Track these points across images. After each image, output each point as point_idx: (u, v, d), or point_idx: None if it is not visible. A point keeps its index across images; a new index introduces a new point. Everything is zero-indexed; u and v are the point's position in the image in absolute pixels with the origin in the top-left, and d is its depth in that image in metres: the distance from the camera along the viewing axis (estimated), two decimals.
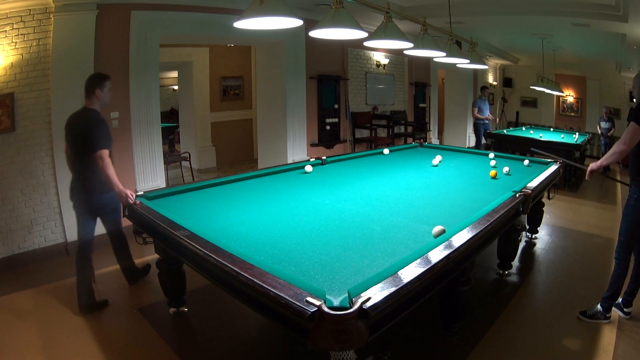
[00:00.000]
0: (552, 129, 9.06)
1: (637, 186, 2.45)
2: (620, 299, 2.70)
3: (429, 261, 1.64)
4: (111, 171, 2.62)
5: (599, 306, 2.60)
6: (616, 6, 4.45)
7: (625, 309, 2.69)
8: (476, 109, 8.16)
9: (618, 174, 7.80)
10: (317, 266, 1.73)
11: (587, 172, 2.68)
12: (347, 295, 1.39)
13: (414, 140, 6.49)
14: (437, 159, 4.01)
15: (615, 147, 2.53)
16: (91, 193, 2.76)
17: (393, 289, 1.40)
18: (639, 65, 8.13)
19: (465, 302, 2.15)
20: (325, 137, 6.34)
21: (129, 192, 2.56)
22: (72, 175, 2.86)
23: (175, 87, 7.91)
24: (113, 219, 2.94)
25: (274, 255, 1.85)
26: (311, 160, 3.88)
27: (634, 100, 10.84)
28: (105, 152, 2.64)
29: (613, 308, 2.71)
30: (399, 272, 1.53)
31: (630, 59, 7.60)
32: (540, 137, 7.31)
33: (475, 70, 10.17)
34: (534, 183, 2.97)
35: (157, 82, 4.35)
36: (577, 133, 8.13)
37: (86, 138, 2.69)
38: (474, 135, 8.68)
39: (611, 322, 2.63)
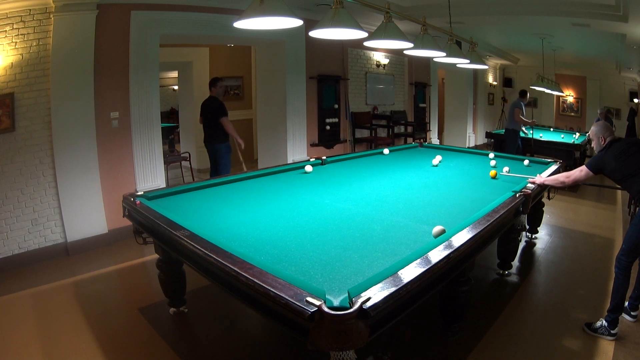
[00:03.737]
0: (552, 129, 9.07)
1: None
2: (626, 303, 2.64)
3: (429, 261, 1.64)
4: (231, 127, 4.74)
5: (603, 321, 2.51)
6: (616, 6, 4.45)
7: (632, 313, 2.68)
8: (520, 111, 6.89)
9: None
10: (317, 266, 1.73)
11: (534, 182, 2.94)
12: (347, 295, 1.39)
13: (414, 140, 6.49)
14: (437, 159, 4.01)
15: (559, 177, 2.86)
16: (214, 142, 4.79)
17: (393, 289, 1.40)
18: (639, 65, 8.13)
19: (465, 302, 2.15)
20: (325, 137, 6.34)
21: (241, 141, 4.82)
22: (205, 134, 4.87)
23: (175, 87, 7.90)
24: (224, 160, 4.85)
25: (274, 255, 1.84)
26: (311, 160, 3.88)
27: (634, 100, 10.81)
28: (226, 118, 4.70)
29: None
30: (399, 272, 1.53)
31: (630, 59, 7.60)
32: (540, 137, 7.31)
33: (475, 70, 10.18)
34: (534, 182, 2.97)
35: (157, 82, 4.35)
36: (577, 133, 8.13)
37: (214, 111, 4.71)
38: (507, 141, 7.02)
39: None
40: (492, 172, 3.41)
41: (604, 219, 5.03)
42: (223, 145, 4.83)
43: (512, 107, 6.90)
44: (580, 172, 2.68)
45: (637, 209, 2.51)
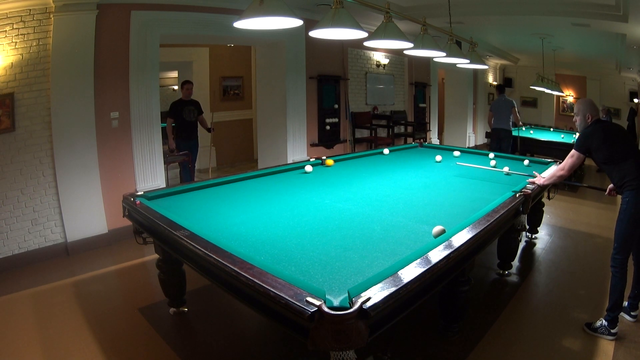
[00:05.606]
0: (552, 129, 9.07)
1: (629, 189, 2.43)
2: (625, 303, 2.64)
3: (429, 261, 1.64)
4: (168, 129, 5.14)
5: (603, 320, 2.51)
6: (616, 6, 4.45)
7: (632, 312, 2.68)
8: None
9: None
10: (317, 266, 1.73)
11: (533, 182, 2.95)
12: (347, 295, 1.39)
13: (414, 140, 6.49)
14: (438, 158, 4.02)
15: (556, 172, 2.80)
16: (196, 138, 5.43)
17: (393, 289, 1.40)
18: (639, 65, 8.14)
19: (465, 302, 2.16)
20: (325, 137, 6.34)
21: (172, 147, 5.04)
22: (190, 133, 5.31)
23: (175, 87, 7.91)
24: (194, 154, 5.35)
25: (274, 255, 1.85)
26: (311, 160, 3.87)
27: (634, 100, 10.78)
28: (169, 119, 5.11)
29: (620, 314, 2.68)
30: (399, 272, 1.53)
31: (630, 59, 7.60)
32: (531, 132, 7.36)
33: (475, 70, 10.18)
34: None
35: (157, 82, 4.35)
36: (577, 133, 8.13)
37: (198, 111, 5.34)
38: (499, 141, 6.63)
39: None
40: (329, 161, 3.40)
41: (604, 219, 5.02)
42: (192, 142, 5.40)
43: (510, 107, 6.59)
44: (571, 157, 2.65)
45: (620, 205, 2.51)
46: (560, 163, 3.81)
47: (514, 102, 6.75)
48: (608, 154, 2.50)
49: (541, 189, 2.99)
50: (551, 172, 3.01)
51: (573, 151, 2.63)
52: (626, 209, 2.44)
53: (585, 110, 2.60)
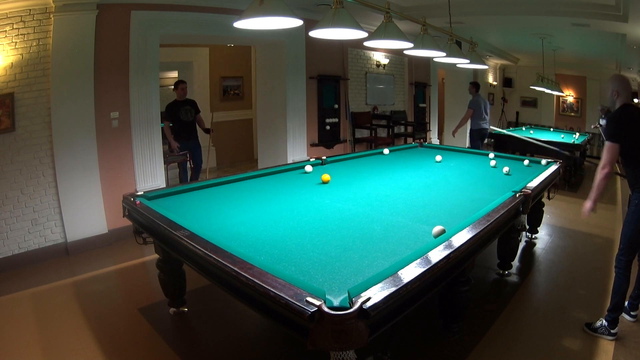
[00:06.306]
0: (552, 129, 9.07)
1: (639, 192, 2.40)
2: (626, 302, 2.62)
3: (429, 261, 1.63)
4: (167, 131, 5.00)
5: (603, 320, 2.50)
6: (616, 6, 4.46)
7: (632, 313, 2.68)
8: None
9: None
10: (317, 266, 1.73)
11: (585, 212, 2.58)
12: (347, 295, 1.39)
13: (414, 140, 6.49)
14: (438, 158, 4.01)
15: (600, 175, 2.46)
16: (196, 139, 5.36)
17: (393, 289, 1.40)
18: (639, 65, 8.14)
19: (465, 302, 2.15)
20: (325, 137, 6.34)
21: (176, 145, 5.04)
22: (189, 133, 5.25)
23: None
24: (199, 154, 5.45)
25: (274, 255, 1.84)
26: (311, 160, 3.87)
27: (635, 100, 10.83)
28: (166, 121, 4.98)
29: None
30: (399, 272, 1.53)
31: (630, 59, 7.60)
32: (531, 132, 7.40)
33: (475, 70, 10.16)
34: (534, 183, 2.97)
35: (157, 82, 4.35)
36: (577, 133, 8.14)
37: (195, 112, 5.25)
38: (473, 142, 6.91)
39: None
40: (325, 177, 3.18)
41: (604, 219, 5.02)
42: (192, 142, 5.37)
43: (489, 106, 6.72)
44: (607, 152, 2.41)
45: (629, 207, 2.48)
46: (560, 163, 3.83)
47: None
48: (623, 147, 2.39)
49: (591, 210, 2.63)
50: (596, 182, 2.53)
51: (607, 143, 2.43)
52: (634, 211, 2.41)
53: (614, 86, 2.46)
